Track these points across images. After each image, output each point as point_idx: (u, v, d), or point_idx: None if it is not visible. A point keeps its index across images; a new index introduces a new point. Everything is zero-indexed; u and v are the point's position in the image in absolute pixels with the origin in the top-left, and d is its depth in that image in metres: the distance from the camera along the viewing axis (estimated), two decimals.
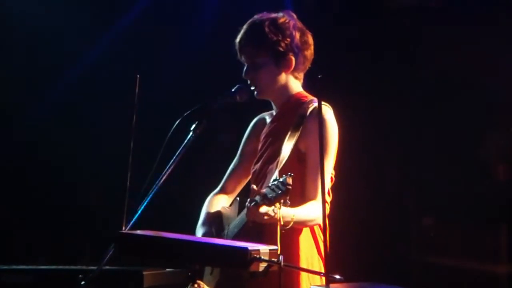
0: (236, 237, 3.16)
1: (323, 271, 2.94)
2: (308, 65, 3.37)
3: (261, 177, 3.27)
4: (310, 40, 3.36)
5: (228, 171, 3.55)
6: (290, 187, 2.78)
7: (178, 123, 3.13)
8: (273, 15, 3.34)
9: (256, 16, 3.36)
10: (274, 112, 3.42)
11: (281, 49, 3.27)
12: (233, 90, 3.30)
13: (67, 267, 4.55)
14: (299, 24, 3.35)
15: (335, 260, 2.67)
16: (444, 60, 5.60)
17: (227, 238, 3.23)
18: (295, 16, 3.38)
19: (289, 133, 3.20)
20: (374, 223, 5.63)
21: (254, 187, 3.01)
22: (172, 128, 3.12)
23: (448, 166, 5.63)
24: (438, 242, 5.77)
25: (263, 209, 2.88)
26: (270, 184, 2.86)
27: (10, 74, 6.05)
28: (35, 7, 6.04)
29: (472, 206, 5.55)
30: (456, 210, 5.63)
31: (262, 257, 2.58)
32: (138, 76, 3.04)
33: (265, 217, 2.91)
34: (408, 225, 5.84)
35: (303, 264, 3.16)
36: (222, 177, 3.55)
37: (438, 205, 5.71)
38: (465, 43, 5.47)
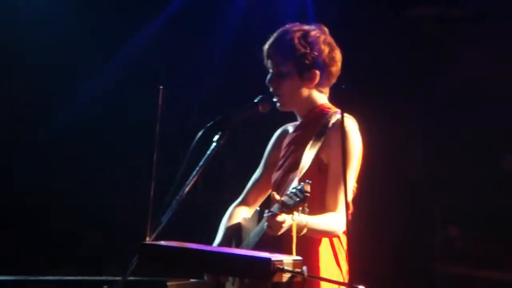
0: (256, 246, 3.14)
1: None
2: (333, 80, 3.33)
3: (282, 185, 3.26)
4: (338, 56, 3.32)
5: (250, 183, 3.53)
6: (308, 194, 2.78)
7: (202, 134, 3.14)
8: (305, 27, 3.31)
9: (288, 25, 3.33)
10: (297, 123, 3.42)
11: (307, 62, 3.25)
12: (255, 100, 3.29)
13: (92, 277, 4.57)
14: (329, 39, 3.32)
15: (358, 271, 2.66)
16: (467, 69, 5.57)
17: (247, 248, 3.22)
18: (326, 30, 3.34)
19: (311, 142, 3.19)
20: (399, 233, 5.60)
21: (275, 194, 2.99)
22: (196, 139, 3.12)
23: (474, 176, 5.60)
24: (463, 253, 5.72)
25: (281, 217, 2.88)
26: (288, 192, 2.86)
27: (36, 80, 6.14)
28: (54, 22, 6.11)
29: (498, 217, 5.50)
30: (481, 221, 5.59)
31: (286, 267, 2.54)
32: (161, 87, 3.06)
33: (283, 225, 2.90)
34: (433, 235, 5.81)
35: (322, 275, 3.12)
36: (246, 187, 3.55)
37: (464, 216, 5.67)
38: (489, 52, 5.44)
